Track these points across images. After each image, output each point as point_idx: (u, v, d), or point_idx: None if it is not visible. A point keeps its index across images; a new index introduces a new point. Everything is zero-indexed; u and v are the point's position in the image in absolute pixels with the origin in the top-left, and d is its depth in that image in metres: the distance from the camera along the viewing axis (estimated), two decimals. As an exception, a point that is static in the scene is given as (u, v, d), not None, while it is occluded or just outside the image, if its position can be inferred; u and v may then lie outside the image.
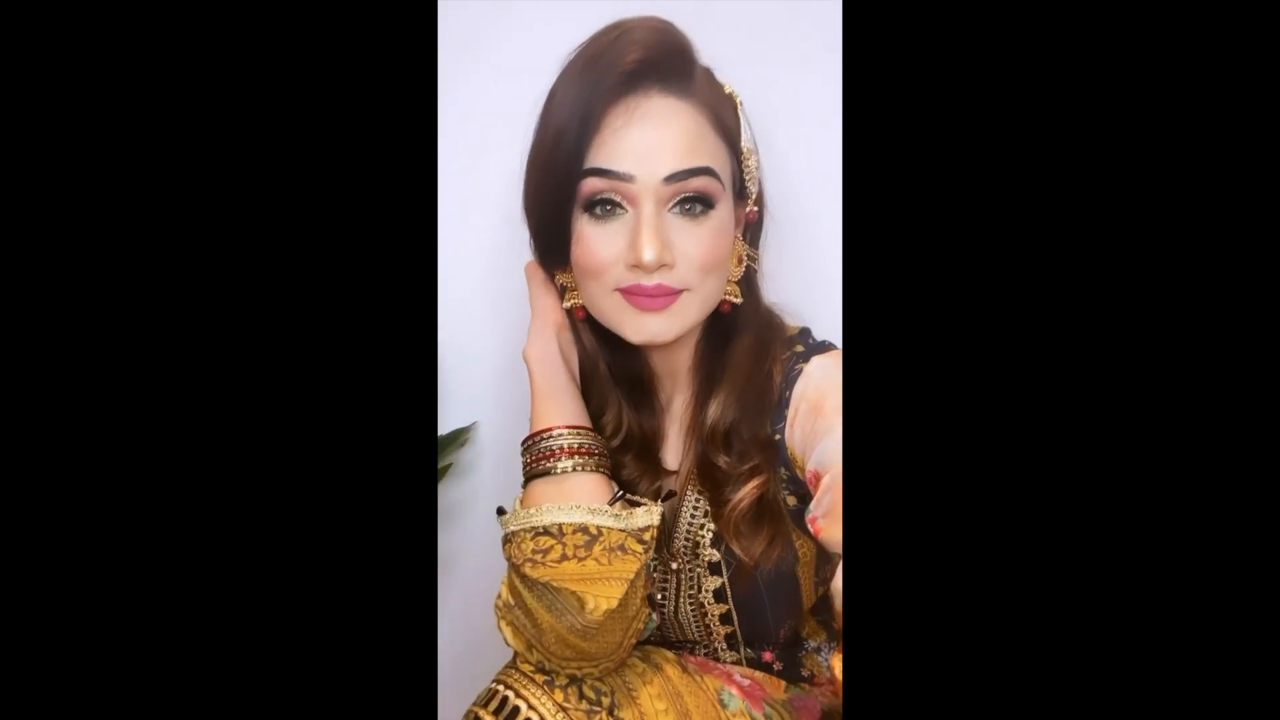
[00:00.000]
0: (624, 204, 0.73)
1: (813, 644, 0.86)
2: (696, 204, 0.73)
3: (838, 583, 0.62)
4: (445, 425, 1.10)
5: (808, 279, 0.95)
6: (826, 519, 0.67)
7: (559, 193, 0.73)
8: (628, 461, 0.83)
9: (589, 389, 0.83)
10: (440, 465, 1.06)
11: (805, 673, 0.86)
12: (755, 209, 0.80)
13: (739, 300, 0.80)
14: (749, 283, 0.82)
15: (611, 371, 0.84)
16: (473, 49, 1.02)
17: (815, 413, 0.72)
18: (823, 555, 0.80)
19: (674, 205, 0.73)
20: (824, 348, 0.79)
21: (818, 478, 0.70)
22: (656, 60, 0.72)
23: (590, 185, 0.72)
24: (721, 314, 0.80)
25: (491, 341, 1.07)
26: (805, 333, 0.82)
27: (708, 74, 0.77)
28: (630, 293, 0.73)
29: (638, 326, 0.75)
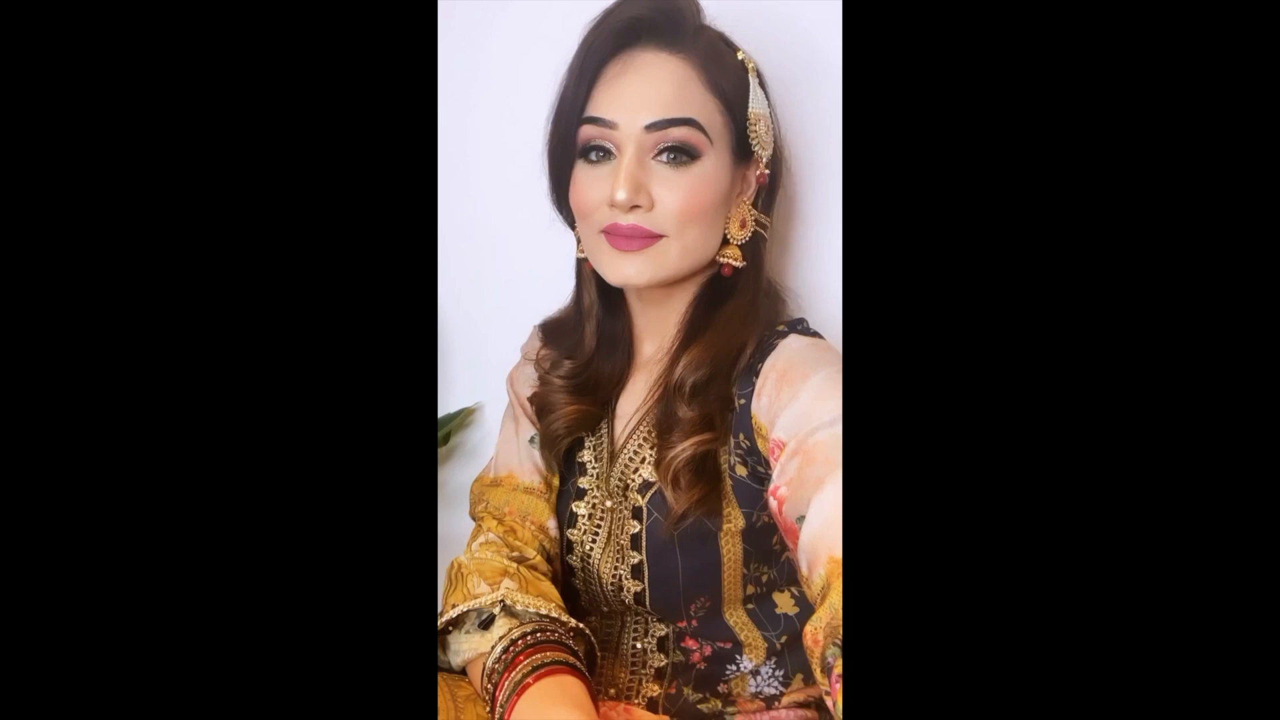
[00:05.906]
0: (614, 150, 0.77)
1: (748, 663, 0.83)
2: (679, 154, 0.76)
3: (828, 592, 0.59)
4: (450, 407, 1.10)
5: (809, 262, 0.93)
6: (789, 486, 0.67)
7: (564, 140, 0.79)
8: (570, 403, 0.84)
9: (577, 338, 0.86)
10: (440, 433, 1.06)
11: (723, 688, 0.82)
12: (766, 172, 0.81)
13: (741, 264, 0.81)
14: (754, 250, 0.82)
15: (599, 328, 0.86)
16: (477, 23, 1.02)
17: (783, 381, 0.73)
18: (755, 550, 0.79)
19: (658, 153, 0.76)
20: (808, 332, 0.80)
21: (781, 446, 0.70)
22: (653, 19, 0.76)
23: (585, 133, 0.77)
24: (722, 278, 0.81)
25: (495, 324, 1.06)
26: (798, 321, 0.82)
27: (714, 38, 0.80)
28: (609, 233, 0.76)
29: (615, 267, 0.78)
